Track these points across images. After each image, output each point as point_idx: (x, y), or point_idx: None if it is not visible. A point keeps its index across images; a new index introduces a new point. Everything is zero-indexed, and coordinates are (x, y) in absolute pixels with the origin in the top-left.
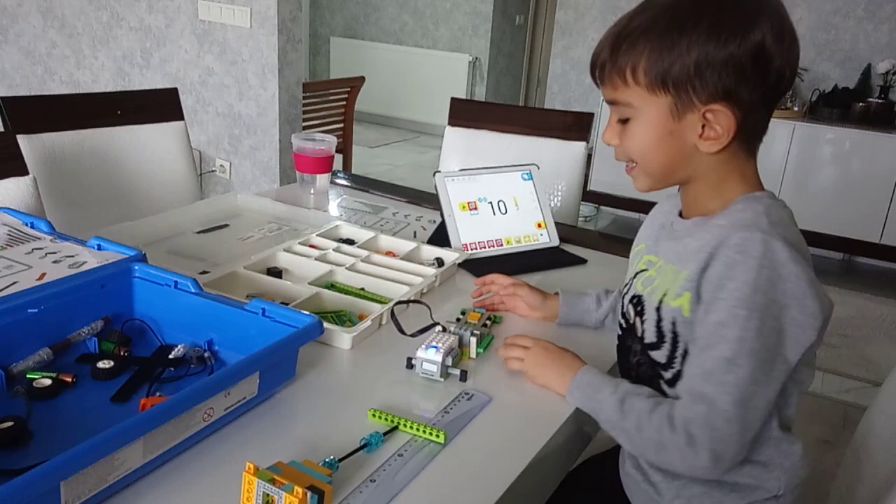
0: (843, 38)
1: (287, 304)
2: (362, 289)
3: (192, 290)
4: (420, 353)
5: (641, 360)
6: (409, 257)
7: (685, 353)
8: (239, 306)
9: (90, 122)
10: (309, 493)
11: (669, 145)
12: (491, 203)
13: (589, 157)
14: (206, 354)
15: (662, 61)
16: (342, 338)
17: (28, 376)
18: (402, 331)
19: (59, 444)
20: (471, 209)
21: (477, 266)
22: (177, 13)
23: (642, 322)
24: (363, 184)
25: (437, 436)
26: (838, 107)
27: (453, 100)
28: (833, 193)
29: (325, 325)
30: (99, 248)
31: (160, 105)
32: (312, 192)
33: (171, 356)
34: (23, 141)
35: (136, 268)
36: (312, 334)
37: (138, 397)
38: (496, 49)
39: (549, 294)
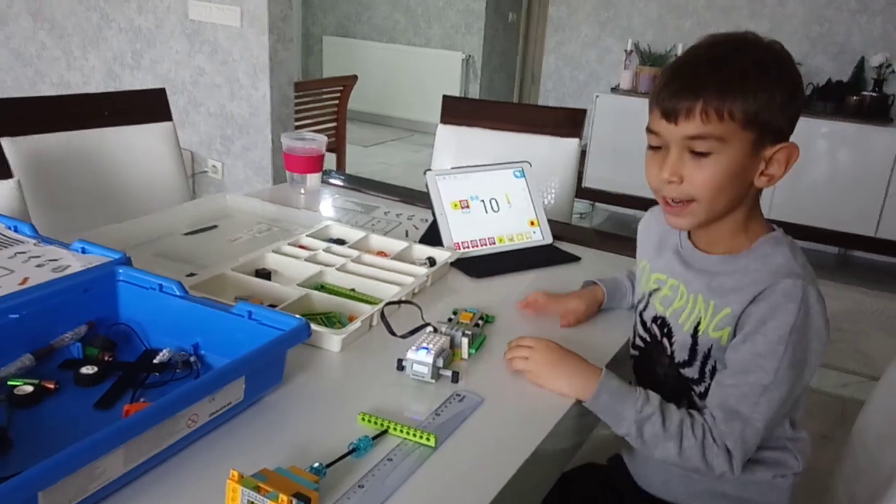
0: (836, 31)
1: (275, 307)
2: (353, 290)
3: (178, 294)
4: (410, 355)
5: (669, 374)
6: (400, 257)
7: (713, 370)
8: (225, 309)
9: (76, 123)
10: (294, 501)
11: (738, 181)
12: (483, 201)
13: (582, 153)
14: (191, 359)
15: (757, 101)
16: (331, 340)
17: (9, 383)
18: (392, 332)
19: (40, 452)
20: (463, 207)
21: (470, 265)
22: (166, 13)
23: (671, 343)
24: (354, 183)
25: (428, 439)
26: (832, 100)
27: (445, 97)
28: (828, 187)
29: (314, 327)
30: (83, 251)
31: (148, 106)
32: (303, 191)
33: (155, 361)
34: (7, 143)
35: (121, 271)
36: (300, 337)
37: (122, 403)
38: (489, 46)
39: (583, 292)
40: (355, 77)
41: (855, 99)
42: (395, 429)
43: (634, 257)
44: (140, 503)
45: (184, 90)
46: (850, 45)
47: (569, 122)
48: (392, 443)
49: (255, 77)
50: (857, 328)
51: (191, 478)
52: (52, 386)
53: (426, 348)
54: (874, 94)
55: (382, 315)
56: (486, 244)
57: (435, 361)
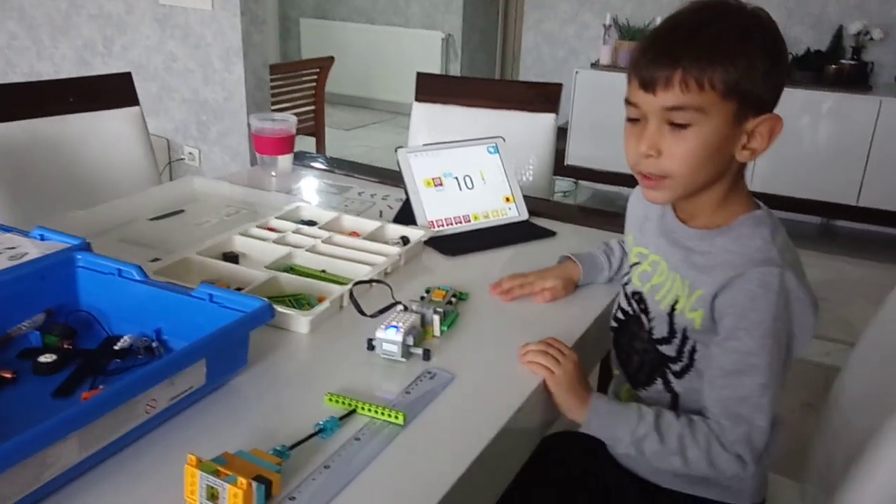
0: (813, 0)
1: (242, 290)
2: (323, 271)
3: (137, 278)
4: (380, 334)
5: (648, 349)
6: (373, 237)
7: (693, 350)
8: (186, 293)
9: (41, 110)
10: (255, 484)
11: (718, 155)
12: (457, 178)
13: (564, 131)
14: (154, 344)
15: (737, 69)
16: (299, 321)
17: None
18: (361, 312)
19: None
20: (436, 185)
21: (444, 243)
22: None
23: (648, 319)
24: (327, 164)
25: (396, 417)
26: (811, 70)
27: (419, 74)
28: (809, 158)
29: (282, 309)
30: (42, 238)
31: (114, 91)
32: (274, 174)
33: (116, 347)
34: None
35: (79, 257)
36: (262, 318)
37: (82, 391)
38: (469, 25)
39: (558, 268)
40: (332, 59)
41: (834, 68)
42: (363, 408)
43: (612, 231)
44: (97, 492)
45: (156, 76)
46: (827, 14)
47: (544, 97)
48: (360, 422)
49: (228, 61)
50: (840, 297)
51: (151, 465)
52: (9, 375)
53: (395, 327)
54: (853, 63)
55: (351, 295)
56: (460, 222)
57: (405, 340)
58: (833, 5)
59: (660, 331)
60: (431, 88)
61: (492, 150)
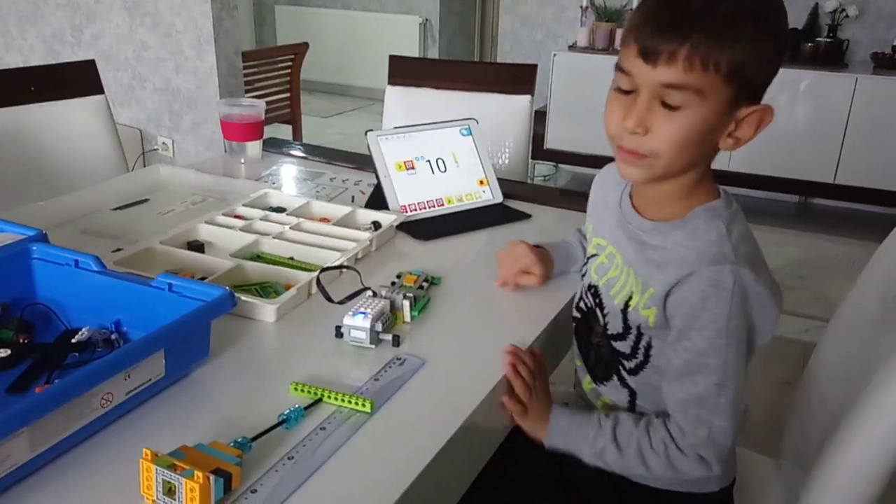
0: None
1: (206, 279)
2: (291, 258)
3: (95, 269)
4: (347, 321)
5: (602, 344)
6: (343, 223)
7: (648, 346)
8: (145, 283)
9: (1, 100)
10: (212, 477)
11: (705, 141)
12: (429, 161)
13: (543, 114)
14: (113, 336)
15: (746, 52)
16: (265, 310)
17: None
18: (329, 298)
19: None
20: (408, 169)
21: (417, 227)
22: None
23: (603, 314)
24: (299, 150)
25: (364, 405)
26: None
27: (392, 58)
28: (786, 136)
29: (247, 298)
30: None
31: (77, 79)
32: (243, 161)
33: (74, 340)
34: None
35: (35, 248)
36: (223, 307)
37: (38, 386)
38: (446, 9)
39: (545, 254)
40: (306, 45)
41: (810, 46)
42: (329, 397)
43: (585, 212)
44: (50, 491)
45: (127, 66)
46: None
47: (519, 78)
48: (326, 411)
49: (200, 48)
50: (818, 274)
51: (108, 461)
52: None
53: (363, 313)
54: (829, 40)
55: (318, 282)
56: (433, 206)
57: (373, 326)
58: None
59: (614, 326)
60: (405, 71)
61: (464, 132)
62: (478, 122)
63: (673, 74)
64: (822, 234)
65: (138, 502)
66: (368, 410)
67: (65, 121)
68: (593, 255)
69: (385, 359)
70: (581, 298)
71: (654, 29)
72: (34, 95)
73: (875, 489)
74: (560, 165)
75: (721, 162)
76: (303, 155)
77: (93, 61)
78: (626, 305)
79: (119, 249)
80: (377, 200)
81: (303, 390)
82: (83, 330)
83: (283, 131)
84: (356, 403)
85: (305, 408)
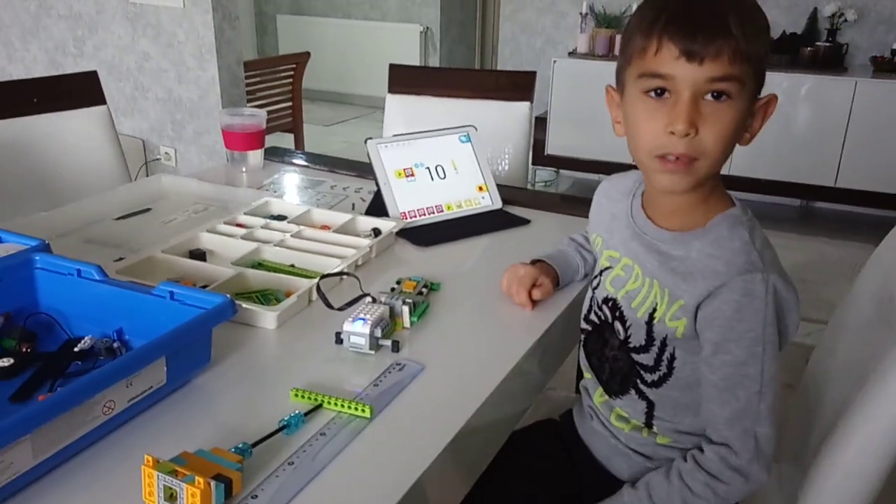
0: None
1: (207, 287)
2: (292, 265)
3: (97, 278)
4: (347, 327)
5: (619, 357)
6: (344, 230)
7: (672, 357)
8: (146, 291)
9: (4, 112)
10: (213, 483)
11: (739, 135)
12: (428, 168)
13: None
14: (115, 345)
15: (763, 43)
16: (266, 317)
17: None
18: (329, 305)
19: None
20: (407, 176)
21: (417, 234)
22: None
23: (624, 326)
24: (302, 158)
25: (363, 410)
26: (787, 52)
27: (392, 66)
28: (787, 140)
29: (248, 305)
30: (0, 240)
31: (79, 90)
32: (244, 170)
33: (77, 349)
34: None
35: (37, 258)
36: (224, 314)
37: (41, 395)
38: (447, 17)
39: (546, 268)
40: (308, 54)
41: (809, 50)
42: (329, 402)
43: (584, 218)
44: (54, 497)
45: (130, 76)
46: None
47: (518, 85)
48: (326, 417)
49: (201, 58)
50: (820, 277)
51: (110, 468)
52: None
53: (363, 319)
54: (828, 45)
55: (318, 288)
56: (433, 212)
57: (372, 332)
58: None
59: (637, 339)
60: (404, 80)
61: (463, 139)
62: (476, 129)
63: (719, 68)
64: (824, 238)
65: None
66: (368, 416)
67: (67, 132)
68: (607, 268)
69: (384, 364)
70: (592, 311)
71: (694, 29)
72: (37, 107)
73: (871, 489)
74: (561, 171)
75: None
76: (304, 163)
77: (95, 72)
78: (651, 318)
79: (121, 259)
80: (377, 207)
81: (303, 396)
82: (85, 339)
83: (286, 140)
84: (356, 409)
85: (305, 414)
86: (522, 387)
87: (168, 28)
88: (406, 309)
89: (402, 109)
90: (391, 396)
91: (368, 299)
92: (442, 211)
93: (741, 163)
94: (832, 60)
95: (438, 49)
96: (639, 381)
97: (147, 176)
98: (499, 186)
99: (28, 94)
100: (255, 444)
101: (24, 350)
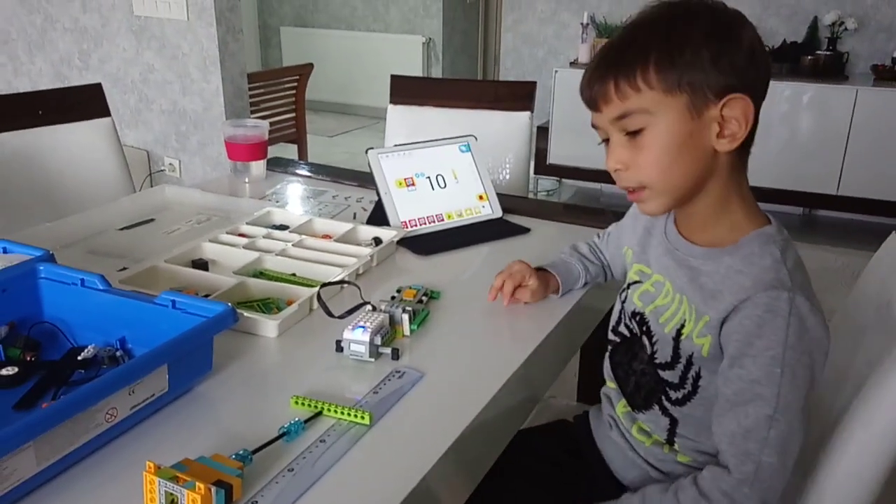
0: None
1: (209, 296)
2: (293, 274)
3: (100, 287)
4: (347, 335)
5: (647, 372)
6: (345, 239)
7: (697, 376)
8: (148, 300)
9: (9, 124)
10: (214, 489)
11: (690, 150)
12: (429, 178)
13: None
14: (118, 353)
15: (674, 60)
16: (267, 325)
17: None
18: (329, 313)
19: None
20: (408, 185)
21: (417, 243)
22: (111, 11)
23: (651, 342)
24: (304, 169)
25: (363, 417)
26: (787, 61)
27: (393, 77)
28: (789, 148)
29: (249, 314)
30: (4, 251)
31: (84, 102)
32: (247, 180)
33: (80, 358)
34: None
35: (42, 268)
36: (225, 323)
37: (44, 403)
38: (450, 28)
39: (545, 275)
40: (311, 65)
41: (810, 59)
42: (329, 410)
43: (585, 226)
44: (57, 503)
45: (134, 88)
46: (802, 6)
47: (518, 95)
48: (326, 424)
49: (206, 70)
50: (823, 285)
51: (113, 475)
52: None
53: (363, 327)
54: (828, 53)
55: (319, 297)
56: (433, 221)
57: (372, 339)
58: None
59: (663, 355)
60: (406, 90)
61: (463, 148)
62: (476, 139)
63: (615, 108)
64: (827, 246)
65: None
66: (367, 423)
67: (72, 144)
68: (636, 282)
69: (384, 372)
70: (622, 323)
71: (585, 83)
72: (42, 119)
73: (870, 495)
74: (563, 180)
75: None
76: (306, 173)
77: (99, 85)
78: (679, 334)
79: (125, 268)
80: (378, 217)
81: (303, 404)
82: (89, 347)
83: (289, 151)
84: (355, 416)
85: (305, 421)
86: (522, 394)
87: (172, 40)
88: (406, 317)
89: (403, 120)
90: (391, 404)
91: (369, 307)
92: (442, 220)
93: None
94: (833, 69)
95: (441, 60)
96: (663, 397)
97: (152, 187)
98: (500, 195)
99: (34, 107)
100: (255, 451)
101: (28, 359)
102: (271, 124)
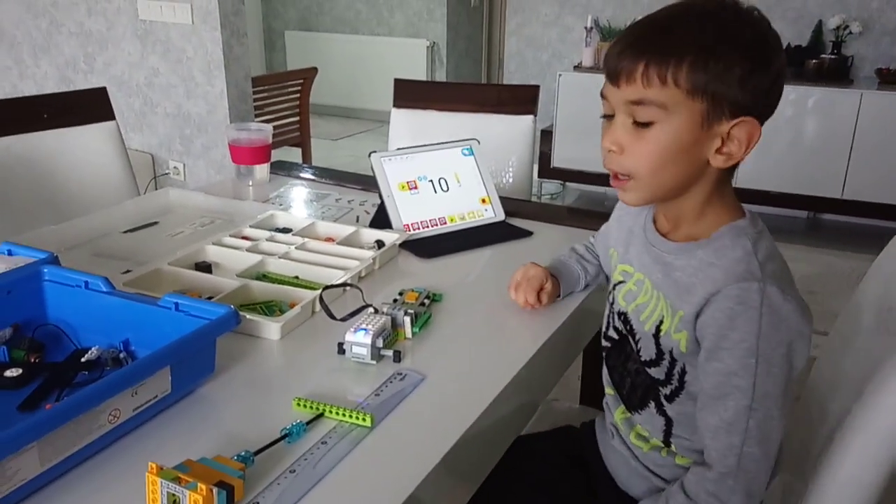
0: None
1: (212, 299)
2: (296, 277)
3: (104, 290)
4: (349, 337)
5: (639, 371)
6: (348, 242)
7: (682, 371)
8: (152, 303)
9: (14, 127)
10: (216, 490)
11: (686, 157)
12: (431, 181)
13: (550, 134)
14: (121, 355)
15: (708, 67)
16: (270, 328)
17: None
18: (332, 316)
19: None
20: (411, 189)
21: (420, 246)
22: (117, 15)
23: (635, 340)
24: (308, 172)
25: (364, 419)
26: (792, 65)
27: (397, 81)
28: (794, 152)
29: (252, 316)
30: (9, 253)
31: (89, 106)
32: (251, 183)
33: (84, 359)
34: None
35: (46, 271)
36: (227, 325)
37: (48, 404)
38: (454, 32)
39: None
40: (315, 69)
41: (814, 62)
42: (330, 412)
43: (589, 230)
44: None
45: (139, 92)
46: (807, 9)
47: (521, 99)
48: (328, 426)
49: (210, 74)
50: (828, 290)
51: (116, 476)
52: None
53: (364, 329)
54: (833, 57)
55: (321, 299)
56: (436, 224)
57: (374, 342)
58: (812, 0)
59: (647, 353)
60: (410, 94)
61: (466, 152)
62: (479, 143)
63: (634, 91)
64: (832, 250)
65: None
66: (369, 425)
67: (77, 147)
68: (620, 282)
69: (386, 374)
70: (611, 327)
71: (617, 53)
72: (47, 122)
73: (871, 500)
74: (567, 184)
75: None
76: (309, 177)
77: (104, 88)
78: (658, 330)
79: (128, 271)
80: (381, 220)
81: (305, 405)
82: (92, 349)
83: (294, 154)
84: (357, 418)
85: (307, 422)
86: (523, 397)
87: (177, 44)
88: (408, 319)
89: (407, 123)
90: (392, 406)
91: (371, 310)
92: (445, 223)
93: (749, 175)
94: (838, 73)
95: (445, 64)
96: (658, 393)
97: (156, 189)
98: (503, 199)
99: (39, 110)
100: (257, 452)
101: (32, 360)
102: (275, 128)
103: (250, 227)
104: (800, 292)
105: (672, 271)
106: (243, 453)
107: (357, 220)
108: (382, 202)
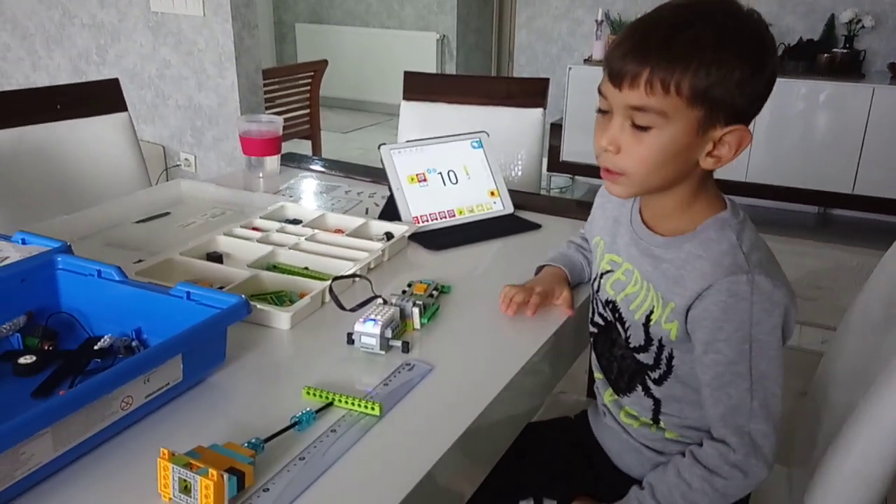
0: None
1: (223, 289)
2: (306, 268)
3: (117, 279)
4: (358, 327)
5: (626, 356)
6: (357, 233)
7: (670, 356)
8: (164, 292)
9: (27, 118)
10: (226, 476)
11: (678, 160)
12: (441, 174)
13: (559, 127)
14: (134, 343)
15: (709, 76)
16: (280, 318)
17: None
18: (341, 306)
19: None
20: (420, 181)
21: (428, 238)
22: (129, 7)
23: (624, 328)
24: (318, 164)
25: (373, 408)
26: (804, 59)
27: (406, 74)
28: (804, 147)
29: (262, 306)
30: (23, 242)
31: (101, 97)
32: (261, 175)
33: (96, 347)
34: None
35: (59, 259)
36: (238, 314)
37: (61, 391)
38: (464, 25)
39: (555, 278)
40: (326, 62)
41: (826, 57)
42: (340, 400)
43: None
44: (73, 489)
45: (151, 83)
46: (819, 3)
47: (531, 92)
48: (337, 415)
49: (221, 66)
50: (837, 285)
51: (128, 461)
52: None
53: (373, 320)
54: (845, 51)
55: (331, 290)
56: (445, 217)
57: (383, 332)
58: None
59: (636, 340)
60: (419, 87)
61: (475, 144)
62: (488, 135)
63: (636, 97)
64: (842, 245)
65: (155, 500)
66: (377, 414)
67: (89, 138)
68: (608, 272)
69: (394, 364)
70: (596, 313)
71: (621, 54)
72: (60, 113)
73: (876, 493)
74: (577, 177)
75: (739, 173)
76: (319, 169)
77: (116, 80)
78: (648, 319)
79: (140, 260)
80: (390, 212)
81: (315, 394)
82: (105, 337)
83: (303, 147)
84: (366, 407)
85: (317, 411)
86: (531, 388)
87: (189, 36)
88: (416, 311)
89: (416, 116)
90: (400, 395)
91: (380, 301)
92: (454, 215)
93: (759, 169)
94: (850, 67)
95: (455, 56)
96: (646, 377)
97: (168, 181)
98: (512, 192)
99: (52, 101)
100: (267, 440)
101: (45, 348)
102: (286, 120)
103: (261, 218)
104: (808, 288)
105: (660, 263)
106: (254, 440)
107: (366, 212)
108: (392, 194)
